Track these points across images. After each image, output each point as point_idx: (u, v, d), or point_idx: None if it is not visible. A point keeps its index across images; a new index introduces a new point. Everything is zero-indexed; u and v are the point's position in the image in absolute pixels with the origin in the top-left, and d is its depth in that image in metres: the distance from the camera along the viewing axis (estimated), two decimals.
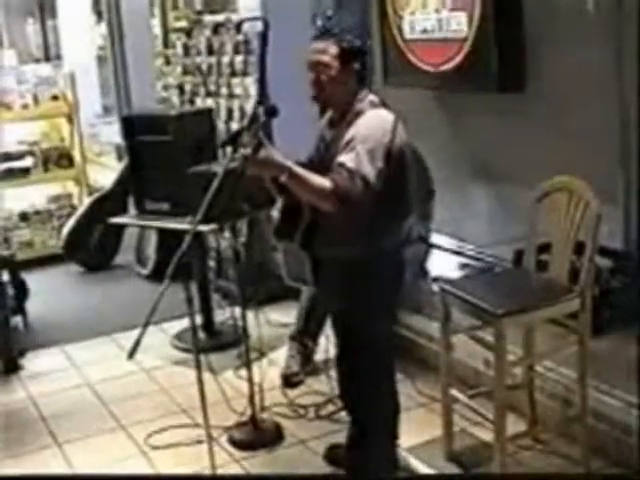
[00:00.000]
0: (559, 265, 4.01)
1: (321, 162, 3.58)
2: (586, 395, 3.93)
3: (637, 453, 3.76)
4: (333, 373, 4.10)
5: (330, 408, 4.76)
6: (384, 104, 3.61)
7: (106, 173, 8.62)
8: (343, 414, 4.16)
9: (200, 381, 3.73)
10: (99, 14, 10.22)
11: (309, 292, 5.18)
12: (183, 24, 7.37)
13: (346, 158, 3.36)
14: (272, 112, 3.61)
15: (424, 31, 5.51)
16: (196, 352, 3.81)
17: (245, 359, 4.62)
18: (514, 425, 4.11)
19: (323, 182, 3.34)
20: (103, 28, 9.87)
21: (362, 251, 3.52)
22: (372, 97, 3.59)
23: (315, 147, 3.78)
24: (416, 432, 4.39)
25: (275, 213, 3.70)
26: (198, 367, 3.73)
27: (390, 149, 3.42)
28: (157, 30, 7.84)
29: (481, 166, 5.61)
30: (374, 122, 3.48)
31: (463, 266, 5.59)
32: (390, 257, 3.62)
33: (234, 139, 3.58)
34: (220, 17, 6.75)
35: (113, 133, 9.03)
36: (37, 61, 12.26)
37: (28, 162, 8.13)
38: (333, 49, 3.51)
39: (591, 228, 3.82)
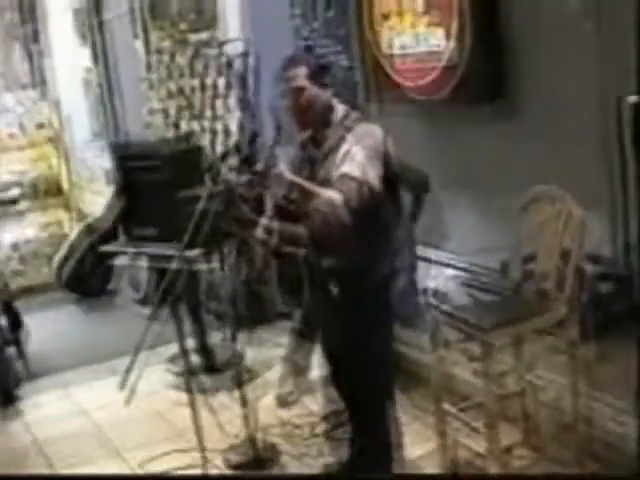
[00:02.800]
0: (545, 274, 4.06)
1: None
2: (578, 402, 3.99)
3: (632, 458, 3.81)
4: (328, 392, 4.16)
5: (325, 426, 4.82)
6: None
7: (97, 199, 8.68)
8: (338, 432, 4.22)
9: (193, 405, 3.80)
10: (83, 36, 10.26)
11: (301, 312, 5.24)
12: (166, 44, 7.41)
13: (350, 168, 3.44)
14: (252, 137, 3.71)
15: (402, 47, 5.60)
16: (187, 376, 3.90)
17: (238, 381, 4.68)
18: (509, 435, 4.17)
19: (332, 194, 3.41)
20: (88, 51, 9.92)
21: (361, 261, 3.60)
22: (355, 114, 3.69)
23: (294, 168, 3.84)
24: (411, 445, 4.43)
25: (264, 221, 3.66)
26: (190, 391, 3.81)
27: (385, 157, 3.53)
28: (140, 52, 7.91)
29: (466, 178, 5.64)
30: (365, 133, 3.58)
31: (452, 278, 5.64)
32: (383, 269, 3.70)
33: (218, 162, 3.67)
34: (204, 35, 6.79)
35: (102, 158, 9.09)
36: (23, 87, 12.30)
37: (15, 192, 8.19)
38: (302, 71, 3.61)
39: (576, 236, 3.88)
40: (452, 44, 5.17)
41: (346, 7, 6.25)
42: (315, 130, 3.68)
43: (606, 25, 4.49)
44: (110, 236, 6.79)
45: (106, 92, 9.39)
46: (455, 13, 5.12)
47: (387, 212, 3.63)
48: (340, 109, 3.67)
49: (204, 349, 5.96)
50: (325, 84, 3.65)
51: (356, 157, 3.45)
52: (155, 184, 5.62)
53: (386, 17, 5.69)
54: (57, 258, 7.91)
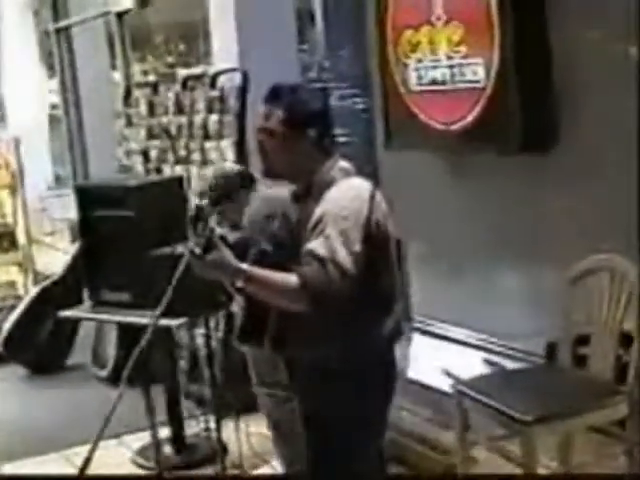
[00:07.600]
0: (601, 360, 3.99)
1: (287, 245, 3.56)
2: None
3: None
4: None
5: None
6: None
7: (57, 256, 8.60)
8: None
9: None
10: (51, 67, 10.29)
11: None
12: (150, 78, 7.42)
13: (316, 244, 3.34)
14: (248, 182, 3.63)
15: (433, 82, 5.55)
16: (160, 471, 3.76)
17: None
18: None
19: (289, 280, 3.33)
20: (55, 83, 9.93)
21: (344, 350, 3.47)
22: (343, 164, 3.59)
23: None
24: None
25: (235, 309, 3.66)
26: None
27: (369, 225, 3.40)
28: (119, 84, 7.91)
29: (503, 241, 5.58)
30: (346, 195, 3.46)
31: (488, 363, 5.53)
32: (378, 355, 3.58)
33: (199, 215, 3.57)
34: (196, 70, 6.79)
35: (67, 208, 9.03)
36: None
37: None
38: (279, 113, 3.51)
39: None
40: (493, 79, 5.13)
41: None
42: (290, 183, 3.61)
43: None
44: (71, 302, 6.69)
45: (75, 130, 9.35)
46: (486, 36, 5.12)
47: (372, 292, 3.49)
48: (327, 162, 3.56)
49: (181, 440, 5.85)
50: (304, 134, 3.53)
51: (327, 229, 3.34)
52: (128, 237, 5.53)
53: (415, 47, 5.67)
54: (7, 325, 7.81)
